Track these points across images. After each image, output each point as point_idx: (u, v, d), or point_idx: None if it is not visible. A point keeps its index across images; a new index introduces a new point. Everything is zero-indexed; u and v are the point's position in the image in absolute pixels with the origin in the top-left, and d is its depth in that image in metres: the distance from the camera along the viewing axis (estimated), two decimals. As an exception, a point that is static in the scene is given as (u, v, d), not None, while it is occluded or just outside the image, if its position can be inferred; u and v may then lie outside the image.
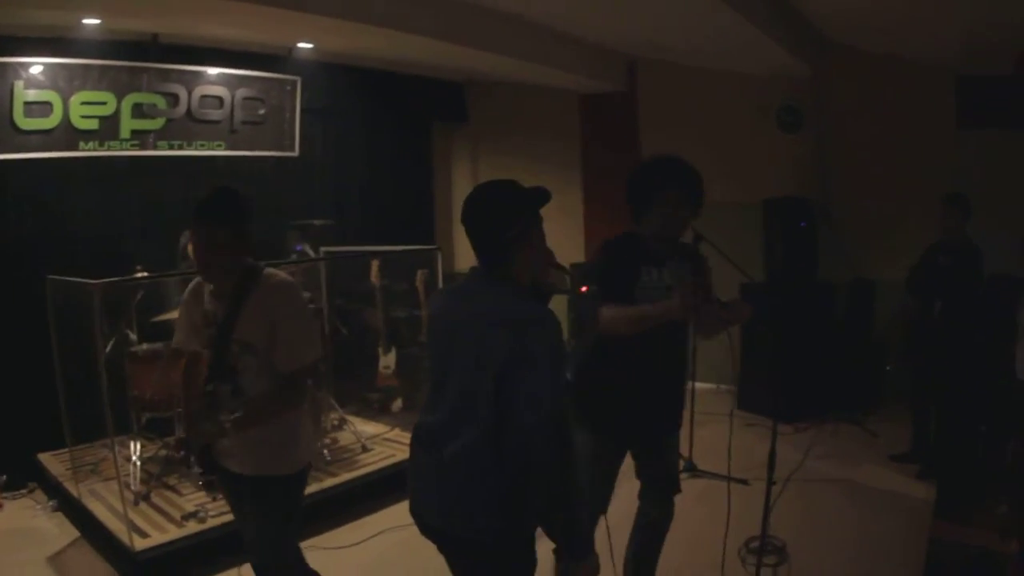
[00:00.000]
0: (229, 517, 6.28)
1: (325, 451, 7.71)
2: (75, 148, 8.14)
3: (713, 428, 7.85)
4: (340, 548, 6.39)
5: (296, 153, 10.25)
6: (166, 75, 8.82)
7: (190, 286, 4.28)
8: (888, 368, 9.08)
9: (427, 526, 3.36)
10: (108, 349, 6.69)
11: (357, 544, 6.46)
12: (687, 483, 6.53)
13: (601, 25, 9.31)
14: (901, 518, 6.41)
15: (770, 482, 4.63)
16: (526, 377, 3.01)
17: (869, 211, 9.51)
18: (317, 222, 9.41)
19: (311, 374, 4.22)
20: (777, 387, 8.66)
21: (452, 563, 3.42)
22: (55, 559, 6.28)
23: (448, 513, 3.23)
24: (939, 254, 7.33)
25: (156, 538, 5.99)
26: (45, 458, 7.76)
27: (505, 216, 3.24)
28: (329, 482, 7.19)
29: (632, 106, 11.28)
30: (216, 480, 4.42)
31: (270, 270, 4.05)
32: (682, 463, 7.19)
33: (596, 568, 3.32)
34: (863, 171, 9.57)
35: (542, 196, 3.31)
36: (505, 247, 3.23)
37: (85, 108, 8.17)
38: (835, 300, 9.50)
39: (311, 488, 6.72)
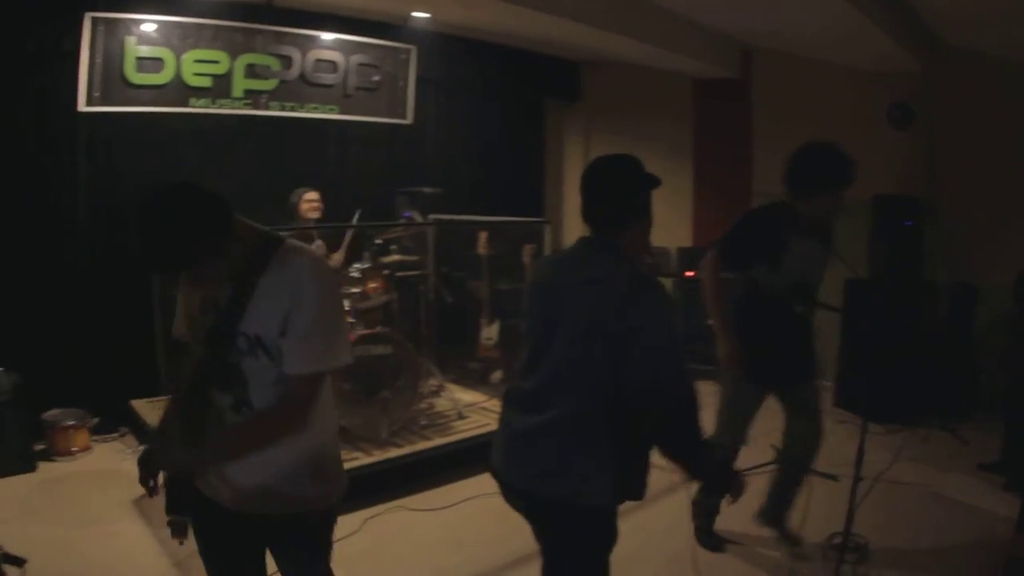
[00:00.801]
0: None
1: (421, 416, 7.48)
2: (186, 104, 8.07)
3: None
4: (428, 510, 6.20)
5: (409, 121, 10.06)
6: (280, 37, 8.68)
7: None
8: (983, 376, 8.53)
9: (514, 490, 3.29)
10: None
11: (445, 508, 6.25)
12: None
13: (718, 9, 8.94)
14: (983, 529, 5.97)
15: (856, 479, 4.56)
16: (646, 337, 2.97)
17: (976, 214, 8.85)
18: (426, 190, 9.20)
19: (319, 387, 2.90)
20: (871, 386, 8.21)
21: (539, 528, 3.35)
22: (140, 502, 6.16)
23: (542, 476, 3.15)
24: None
25: None
26: (138, 404, 7.62)
27: (629, 189, 3.23)
28: (422, 445, 6.98)
29: (745, 93, 10.81)
30: (188, 521, 3.10)
31: (293, 242, 2.90)
32: (774, 455, 6.89)
33: (742, 485, 3.30)
34: (972, 173, 8.92)
35: (656, 179, 3.27)
36: (622, 219, 3.21)
37: (198, 66, 8.08)
38: (937, 303, 8.92)
39: (404, 451, 6.75)
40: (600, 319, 3.01)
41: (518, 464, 3.26)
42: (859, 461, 4.45)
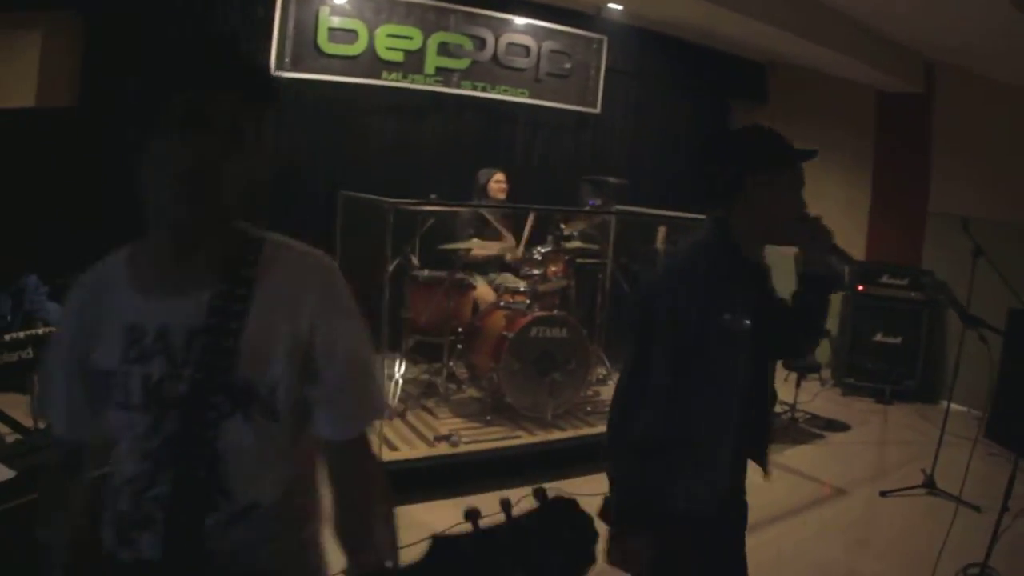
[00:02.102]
0: (481, 445, 6.05)
1: (587, 403, 7.18)
2: (378, 77, 7.94)
3: (958, 450, 7.00)
4: (584, 495, 5.66)
5: (598, 110, 9.69)
6: (473, 19, 8.49)
7: (83, 279, 1.77)
8: None
9: None
10: (391, 269, 6.23)
11: (600, 495, 5.79)
12: (922, 499, 6.59)
13: (903, 20, 8.33)
14: None
15: (1003, 509, 4.39)
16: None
17: None
18: (612, 180, 8.82)
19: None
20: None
21: None
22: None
23: None
24: None
25: (405, 452, 5.78)
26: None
27: (721, 160, 2.75)
28: (585, 431, 6.71)
29: (927, 110, 10.06)
30: None
31: (277, 236, 1.79)
32: (923, 479, 6.73)
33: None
34: None
35: (780, 149, 2.69)
36: (717, 195, 2.72)
37: (391, 40, 7.94)
38: None
39: (567, 434, 6.65)
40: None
41: None
42: (1008, 493, 4.28)
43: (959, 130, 9.59)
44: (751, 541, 3.54)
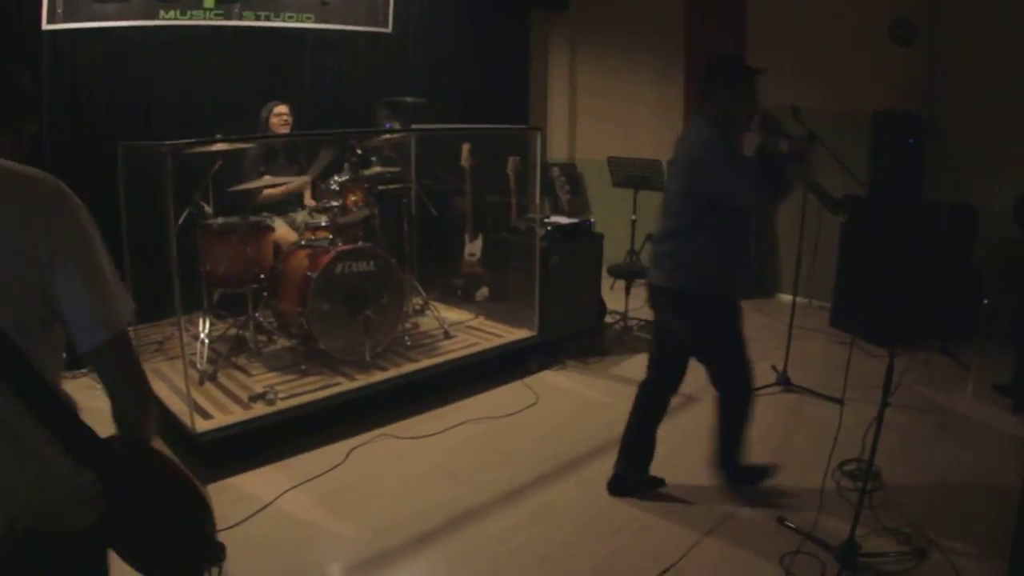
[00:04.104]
0: (300, 399, 5.81)
1: (406, 337, 7.14)
2: (155, 17, 7.51)
3: (804, 343, 7.43)
4: (417, 438, 5.75)
5: (389, 30, 9.51)
6: (253, -58, 8.07)
7: None
8: (985, 301, 8.14)
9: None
10: (181, 221, 6.09)
11: (434, 435, 5.78)
12: (779, 397, 6.72)
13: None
14: (996, 452, 5.69)
15: (884, 404, 4.35)
16: (706, 168, 4.40)
17: (979, 135, 8.36)
18: (408, 99, 8.76)
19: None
20: (886, 308, 7.84)
21: None
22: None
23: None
24: None
25: (219, 419, 5.47)
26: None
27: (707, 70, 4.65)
28: (408, 368, 6.59)
29: (741, 5, 10.20)
30: None
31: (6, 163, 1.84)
32: (775, 376, 6.90)
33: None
34: (975, 93, 8.41)
35: (732, 67, 4.73)
36: (705, 91, 4.60)
37: None
38: (937, 224, 8.41)
39: (390, 374, 6.39)
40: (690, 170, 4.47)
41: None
42: (887, 386, 4.34)
43: (774, 23, 9.78)
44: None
